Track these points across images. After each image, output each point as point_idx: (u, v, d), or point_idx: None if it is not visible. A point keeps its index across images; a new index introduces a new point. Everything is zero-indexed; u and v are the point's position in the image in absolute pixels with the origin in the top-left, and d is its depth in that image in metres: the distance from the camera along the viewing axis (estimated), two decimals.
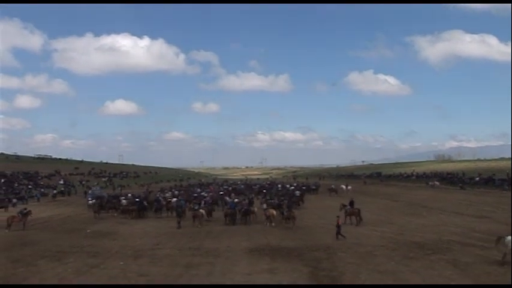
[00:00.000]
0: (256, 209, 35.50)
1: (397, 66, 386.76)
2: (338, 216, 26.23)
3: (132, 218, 37.74)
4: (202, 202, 42.02)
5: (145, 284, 15.27)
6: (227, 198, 46.01)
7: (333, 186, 66.09)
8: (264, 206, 36.90)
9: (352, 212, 31.04)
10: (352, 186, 68.17)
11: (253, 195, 52.74)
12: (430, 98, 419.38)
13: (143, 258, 20.23)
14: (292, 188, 65.75)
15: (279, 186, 73.92)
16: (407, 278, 15.66)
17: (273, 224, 30.94)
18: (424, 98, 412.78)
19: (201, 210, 34.41)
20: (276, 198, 45.74)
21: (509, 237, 18.08)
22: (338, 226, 24.66)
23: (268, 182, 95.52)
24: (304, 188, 67.44)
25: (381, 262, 18.26)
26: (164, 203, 42.91)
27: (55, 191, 67.28)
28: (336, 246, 22.09)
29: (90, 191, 64.57)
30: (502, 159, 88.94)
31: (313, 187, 70.61)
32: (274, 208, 33.98)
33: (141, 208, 40.19)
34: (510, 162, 73.46)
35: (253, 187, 72.73)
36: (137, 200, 44.97)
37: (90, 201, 48.55)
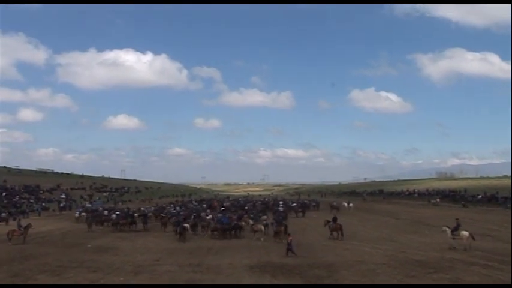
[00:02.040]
0: (244, 224, 36.11)
1: (399, 84, 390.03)
2: (289, 234, 27.07)
3: (121, 232, 38.86)
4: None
5: (144, 284, 15.09)
6: (219, 214, 45.31)
7: (334, 203, 65.89)
8: (250, 221, 37.11)
9: (335, 227, 32.06)
10: (354, 203, 68.03)
11: (242, 212, 52.12)
12: (432, 116, 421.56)
13: (143, 274, 20.10)
14: (294, 204, 65.29)
15: (281, 202, 73.66)
16: None
17: (262, 239, 31.55)
18: (426, 116, 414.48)
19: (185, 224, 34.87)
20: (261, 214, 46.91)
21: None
22: (289, 243, 24.79)
23: (266, 199, 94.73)
24: (304, 204, 67.09)
25: (383, 280, 18.10)
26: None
27: (62, 204, 67.96)
28: (337, 263, 21.92)
29: (87, 204, 65.73)
30: (505, 177, 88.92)
31: (313, 204, 70.12)
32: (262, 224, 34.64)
33: (132, 222, 41.64)
34: (511, 180, 73.48)
35: (256, 204, 72.22)
36: (130, 214, 46.33)
37: (76, 214, 51.25)
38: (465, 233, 25.73)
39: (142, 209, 57.63)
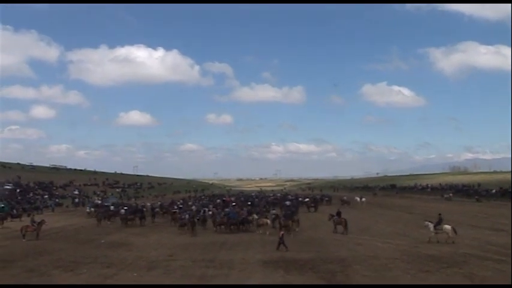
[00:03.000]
0: (252, 219, 36.77)
1: (412, 78, 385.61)
2: (281, 229, 27.80)
3: (127, 227, 39.87)
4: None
5: (150, 284, 15.14)
6: (227, 209, 45.81)
7: (344, 197, 65.82)
8: (255, 216, 37.71)
9: (339, 221, 32.71)
10: (367, 198, 67.83)
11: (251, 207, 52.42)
12: (445, 110, 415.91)
13: (157, 270, 20.19)
14: (307, 199, 65.23)
15: (289, 197, 73.80)
16: None
17: (267, 232, 32.13)
18: (439, 110, 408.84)
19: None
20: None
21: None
22: (280, 238, 25.16)
23: (278, 194, 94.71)
24: (316, 199, 67.07)
25: (396, 275, 18.02)
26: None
27: (76, 200, 69.21)
28: (350, 258, 21.86)
29: (96, 200, 67.13)
30: None
31: (326, 198, 70.27)
32: (267, 217, 36.31)
33: (141, 217, 42.92)
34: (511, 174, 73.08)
35: (268, 199, 72.37)
36: (139, 209, 48.45)
37: (87, 210, 53.02)
38: (447, 227, 26.54)
39: (148, 204, 58.93)
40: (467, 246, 24.69)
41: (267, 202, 63.63)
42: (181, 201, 62.76)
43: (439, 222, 27.60)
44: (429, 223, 27.79)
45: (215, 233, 33.98)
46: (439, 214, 29.43)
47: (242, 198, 73.75)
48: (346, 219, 32.71)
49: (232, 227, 35.44)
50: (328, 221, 34.37)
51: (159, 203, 63.42)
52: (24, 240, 30.23)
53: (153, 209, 50.72)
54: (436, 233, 26.87)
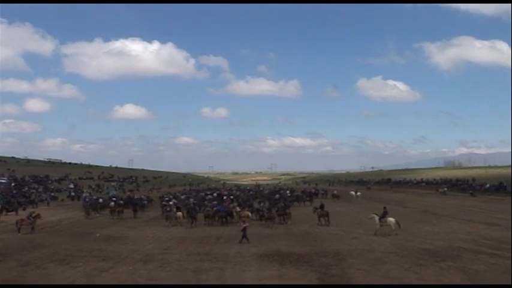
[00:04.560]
0: (234, 212, 38.49)
1: (407, 73, 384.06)
2: (244, 221, 28.32)
3: (119, 218, 41.50)
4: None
5: (145, 284, 15.18)
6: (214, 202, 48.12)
7: (335, 191, 66.05)
8: (238, 208, 39.74)
9: (322, 214, 34.32)
10: (362, 192, 68.05)
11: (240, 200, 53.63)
12: (440, 104, 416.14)
13: (152, 263, 20.25)
14: (300, 193, 65.73)
15: (282, 191, 74.20)
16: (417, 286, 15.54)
17: (247, 224, 32.31)
18: (434, 104, 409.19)
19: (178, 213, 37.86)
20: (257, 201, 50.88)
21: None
22: (243, 230, 26.03)
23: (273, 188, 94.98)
24: (311, 192, 67.62)
25: (391, 269, 18.13)
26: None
27: (72, 194, 69.78)
28: (345, 252, 21.99)
29: (84, 194, 68.39)
30: None
31: (322, 192, 71.06)
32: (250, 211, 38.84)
33: (134, 209, 44.73)
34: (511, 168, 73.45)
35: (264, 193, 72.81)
36: (132, 201, 51.38)
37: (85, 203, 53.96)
38: (392, 220, 27.85)
39: (143, 196, 62.02)
40: (461, 240, 24.84)
41: (251, 195, 65.77)
42: (170, 195, 63.17)
43: (383, 215, 28.91)
44: (375, 216, 28.91)
45: (210, 227, 34.11)
46: (384, 207, 31.21)
47: (238, 193, 74.08)
48: (329, 212, 34.47)
49: (217, 219, 36.48)
50: (313, 213, 36.27)
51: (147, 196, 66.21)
52: (19, 234, 30.22)
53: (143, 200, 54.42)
54: (381, 225, 28.12)
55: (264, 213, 36.66)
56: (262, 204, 43.79)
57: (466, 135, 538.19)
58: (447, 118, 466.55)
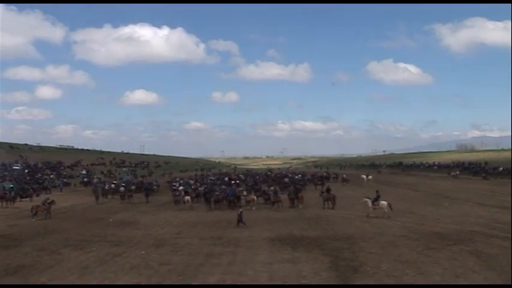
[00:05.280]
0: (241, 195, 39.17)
1: (418, 55, 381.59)
2: (240, 206, 30.31)
3: (129, 203, 42.26)
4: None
5: (147, 284, 15.30)
6: (222, 186, 48.46)
7: (344, 175, 66.12)
8: (244, 192, 40.33)
9: (328, 197, 34.87)
10: (373, 176, 67.95)
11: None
12: (452, 87, 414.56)
13: (165, 247, 20.42)
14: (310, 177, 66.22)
15: (290, 175, 74.60)
16: (429, 269, 15.50)
17: (254, 208, 34.94)
18: (446, 87, 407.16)
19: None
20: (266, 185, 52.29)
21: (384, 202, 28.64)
22: (239, 214, 26.65)
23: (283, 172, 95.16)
24: (322, 176, 67.90)
25: (403, 252, 18.13)
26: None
27: (85, 179, 71.35)
28: (357, 236, 22.02)
29: (94, 180, 70.25)
30: None
31: (334, 176, 71.41)
32: (256, 194, 39.12)
33: (146, 194, 45.65)
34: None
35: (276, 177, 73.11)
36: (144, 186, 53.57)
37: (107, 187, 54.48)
38: (384, 203, 28.81)
39: (153, 181, 63.31)
40: (474, 223, 24.78)
41: (258, 179, 66.61)
42: (181, 180, 63.51)
43: (376, 199, 30.01)
44: (367, 199, 29.99)
45: (221, 211, 34.23)
46: (377, 191, 32.22)
47: (246, 177, 74.44)
48: (335, 196, 34.96)
49: (225, 202, 37.23)
50: (319, 196, 36.80)
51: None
52: (33, 219, 30.58)
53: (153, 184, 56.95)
54: (374, 208, 29.11)
55: (270, 197, 37.25)
56: (272, 188, 43.88)
57: (479, 117, 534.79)
58: (459, 101, 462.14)
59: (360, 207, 30.96)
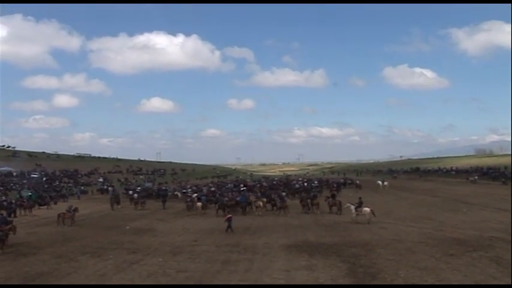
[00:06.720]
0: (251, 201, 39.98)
1: (434, 60, 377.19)
2: (228, 212, 30.90)
3: (142, 209, 43.39)
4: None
5: (150, 284, 15.30)
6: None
7: (357, 181, 65.82)
8: (253, 198, 41.63)
9: (333, 203, 35.95)
10: (390, 181, 67.50)
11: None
12: (469, 91, 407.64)
13: (182, 255, 20.43)
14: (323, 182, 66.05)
15: (315, 181, 74.34)
16: (448, 276, 15.30)
17: (260, 213, 36.10)
18: (463, 91, 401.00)
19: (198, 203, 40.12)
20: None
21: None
22: (228, 219, 27.13)
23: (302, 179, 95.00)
24: (339, 182, 67.80)
25: (421, 259, 17.93)
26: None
27: (103, 187, 72.12)
28: (374, 242, 21.84)
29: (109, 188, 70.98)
30: None
31: (349, 182, 71.45)
32: (262, 201, 39.35)
33: (163, 201, 46.36)
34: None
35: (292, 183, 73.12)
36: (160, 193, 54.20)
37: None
38: (366, 209, 29.48)
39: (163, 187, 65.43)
40: (493, 229, 24.45)
41: (268, 186, 66.86)
42: (194, 187, 63.96)
43: (359, 205, 30.54)
44: (351, 205, 30.88)
45: (238, 218, 34.15)
46: (359, 198, 32.76)
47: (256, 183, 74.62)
48: (340, 201, 35.52)
49: (239, 209, 37.48)
50: (324, 201, 37.59)
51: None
52: (58, 226, 31.25)
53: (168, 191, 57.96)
54: (357, 214, 29.78)
55: (277, 203, 37.53)
56: (283, 193, 44.64)
57: (497, 122, 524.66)
58: (476, 105, 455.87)
59: (375, 213, 30.72)
